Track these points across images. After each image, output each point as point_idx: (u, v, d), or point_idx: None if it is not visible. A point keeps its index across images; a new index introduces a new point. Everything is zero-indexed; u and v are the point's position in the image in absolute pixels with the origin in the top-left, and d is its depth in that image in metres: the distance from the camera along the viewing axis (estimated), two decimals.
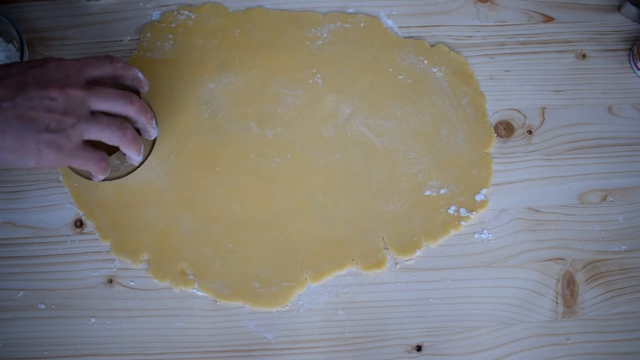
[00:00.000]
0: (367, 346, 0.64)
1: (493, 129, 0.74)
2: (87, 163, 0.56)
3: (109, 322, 0.64)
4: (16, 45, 0.71)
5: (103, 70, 0.57)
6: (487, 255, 0.68)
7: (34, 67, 0.53)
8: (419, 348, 0.64)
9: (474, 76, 0.77)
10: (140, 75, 0.61)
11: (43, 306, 0.64)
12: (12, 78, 0.52)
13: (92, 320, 0.64)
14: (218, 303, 0.65)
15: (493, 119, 0.75)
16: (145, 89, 0.62)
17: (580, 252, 0.69)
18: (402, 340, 0.64)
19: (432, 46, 0.79)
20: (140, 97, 0.61)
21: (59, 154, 0.53)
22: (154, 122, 0.61)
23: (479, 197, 0.70)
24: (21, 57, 0.69)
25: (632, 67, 0.78)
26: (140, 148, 0.60)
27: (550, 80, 0.78)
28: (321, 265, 0.66)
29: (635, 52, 0.77)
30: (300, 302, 0.65)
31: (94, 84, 0.56)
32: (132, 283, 0.66)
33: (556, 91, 0.77)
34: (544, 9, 0.82)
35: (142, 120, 0.59)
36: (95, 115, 0.55)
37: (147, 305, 0.65)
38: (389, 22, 0.80)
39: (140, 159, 0.62)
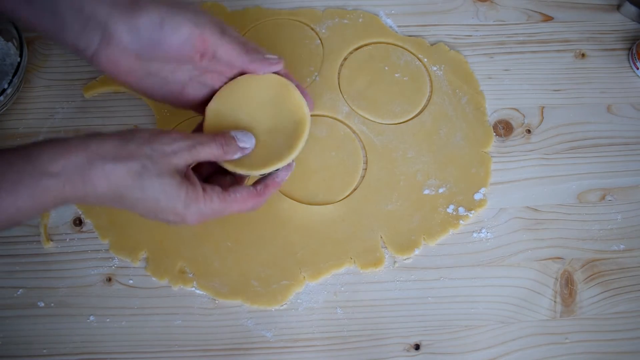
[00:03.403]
0: (365, 345, 0.64)
1: (492, 128, 0.74)
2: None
3: (107, 320, 0.64)
4: (15, 43, 0.71)
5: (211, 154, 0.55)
6: (486, 254, 0.68)
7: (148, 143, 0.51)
8: (417, 347, 0.64)
9: (473, 75, 0.77)
10: (242, 145, 0.57)
11: (42, 304, 0.64)
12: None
13: (91, 318, 0.64)
14: (217, 301, 0.65)
15: (492, 118, 0.75)
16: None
17: (579, 252, 0.69)
18: (400, 338, 0.64)
19: (431, 45, 0.79)
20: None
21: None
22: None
23: (477, 196, 0.70)
24: (20, 54, 0.69)
25: (631, 66, 0.78)
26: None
27: (549, 79, 0.78)
28: (319, 264, 0.66)
29: (634, 51, 0.78)
30: (298, 300, 0.65)
31: None
32: (130, 281, 0.66)
33: (555, 90, 0.77)
34: (543, 8, 0.82)
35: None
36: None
37: (146, 303, 0.65)
38: (389, 21, 0.81)
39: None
